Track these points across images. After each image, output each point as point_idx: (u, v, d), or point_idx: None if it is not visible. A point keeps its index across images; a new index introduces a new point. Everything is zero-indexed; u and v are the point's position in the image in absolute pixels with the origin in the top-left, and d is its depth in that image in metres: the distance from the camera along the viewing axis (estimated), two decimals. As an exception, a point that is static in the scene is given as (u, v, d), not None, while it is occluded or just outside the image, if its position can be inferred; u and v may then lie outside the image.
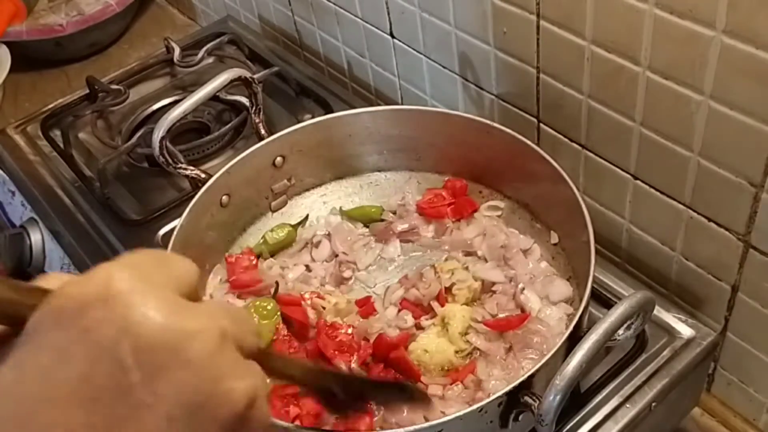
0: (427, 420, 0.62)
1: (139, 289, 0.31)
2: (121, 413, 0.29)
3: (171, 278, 0.33)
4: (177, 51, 1.20)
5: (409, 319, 0.75)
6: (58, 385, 0.29)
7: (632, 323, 0.63)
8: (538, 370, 0.60)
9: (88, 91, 1.16)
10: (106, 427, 0.29)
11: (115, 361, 0.29)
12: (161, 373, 0.30)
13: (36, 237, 1.02)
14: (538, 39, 0.78)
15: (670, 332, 0.74)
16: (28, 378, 0.29)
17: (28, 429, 0.28)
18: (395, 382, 0.66)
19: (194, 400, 0.30)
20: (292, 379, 0.46)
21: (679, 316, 0.75)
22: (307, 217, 0.89)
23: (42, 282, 0.33)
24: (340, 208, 0.89)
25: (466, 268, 0.79)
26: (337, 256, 0.84)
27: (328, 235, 0.85)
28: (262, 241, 0.86)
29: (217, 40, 1.22)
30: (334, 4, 1.07)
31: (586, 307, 0.65)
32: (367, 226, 0.87)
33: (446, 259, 0.82)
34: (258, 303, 0.76)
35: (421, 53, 0.97)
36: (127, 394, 0.29)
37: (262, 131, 0.89)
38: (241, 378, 0.33)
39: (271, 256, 0.85)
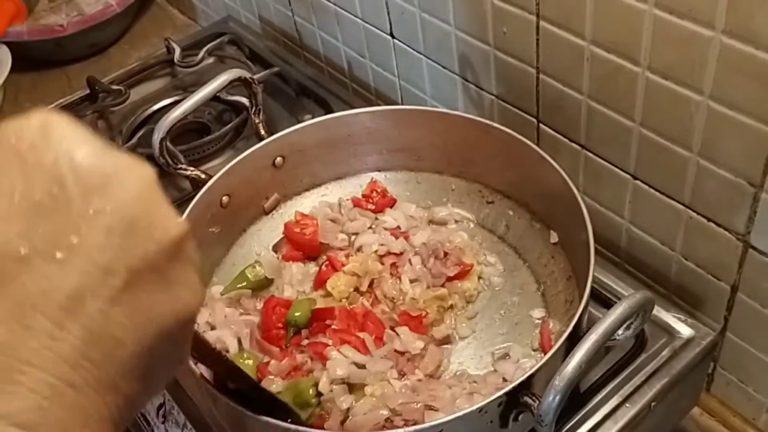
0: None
1: (76, 127, 0.32)
2: (60, 225, 0.30)
3: None
4: (177, 51, 1.20)
5: None
6: None
7: (632, 323, 0.63)
8: (537, 370, 0.60)
9: (88, 91, 1.16)
10: (45, 239, 0.29)
11: (53, 178, 0.30)
12: (100, 190, 0.31)
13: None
14: (537, 39, 0.78)
15: (670, 332, 0.74)
16: None
17: None
18: (283, 404, 0.64)
19: (132, 215, 0.31)
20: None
21: (679, 316, 0.75)
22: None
23: None
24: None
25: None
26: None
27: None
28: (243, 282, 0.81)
29: (218, 40, 1.22)
30: (334, 4, 1.07)
31: (585, 307, 0.65)
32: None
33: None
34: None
35: (421, 53, 0.97)
36: (65, 208, 0.30)
37: (262, 131, 0.89)
38: (173, 211, 0.34)
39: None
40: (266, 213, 0.89)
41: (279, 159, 0.86)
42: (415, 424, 0.64)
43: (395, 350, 0.73)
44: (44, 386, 0.28)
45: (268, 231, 0.88)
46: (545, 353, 0.72)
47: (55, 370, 0.29)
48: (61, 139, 0.31)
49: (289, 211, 0.90)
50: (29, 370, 0.28)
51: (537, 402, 0.59)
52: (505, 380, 0.71)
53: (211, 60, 1.20)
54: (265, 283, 0.82)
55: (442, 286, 0.79)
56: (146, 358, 0.32)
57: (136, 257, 0.31)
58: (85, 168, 0.31)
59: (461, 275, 0.79)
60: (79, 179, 0.31)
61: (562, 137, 0.83)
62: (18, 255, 0.29)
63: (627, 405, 0.69)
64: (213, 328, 0.77)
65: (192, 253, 0.35)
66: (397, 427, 0.65)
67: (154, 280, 0.32)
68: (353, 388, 0.70)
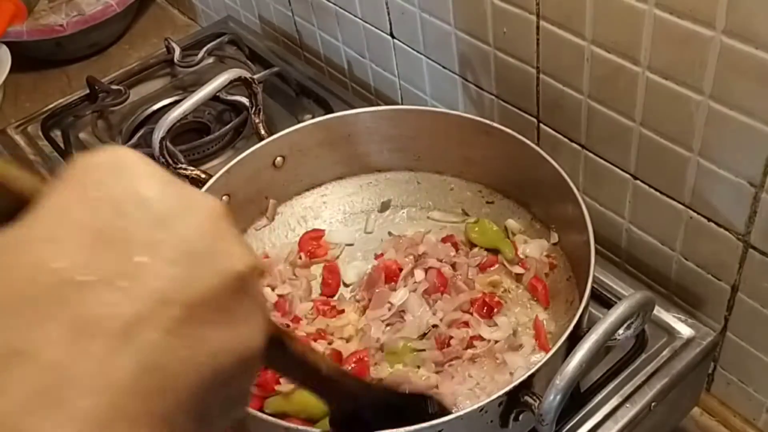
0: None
1: (145, 162, 0.33)
2: (121, 254, 0.30)
3: None
4: (177, 51, 1.20)
5: None
6: (60, 230, 0.30)
7: (632, 323, 0.63)
8: (538, 370, 0.60)
9: (88, 91, 1.16)
10: (106, 267, 0.29)
11: (118, 209, 0.31)
12: (165, 222, 0.31)
13: (36, 237, 1.02)
14: (537, 39, 0.78)
15: (670, 332, 0.74)
16: (34, 227, 0.30)
17: (36, 271, 0.29)
18: (419, 393, 0.61)
19: (195, 247, 0.31)
20: (310, 373, 0.44)
21: (679, 316, 0.75)
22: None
23: None
24: None
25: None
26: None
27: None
28: None
29: (218, 40, 1.22)
30: (334, 4, 1.07)
31: (586, 307, 0.65)
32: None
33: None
34: None
35: (421, 53, 0.97)
36: (128, 239, 0.30)
37: (262, 131, 0.89)
38: (242, 245, 0.34)
39: None
40: (269, 220, 0.89)
41: (279, 159, 0.86)
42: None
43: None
44: (97, 413, 0.27)
45: (268, 231, 0.88)
46: (541, 349, 0.73)
47: (109, 396, 0.28)
48: (129, 173, 0.32)
49: (289, 211, 0.90)
50: (82, 394, 0.27)
51: (538, 401, 0.59)
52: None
53: (211, 60, 1.20)
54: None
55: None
56: (204, 395, 0.31)
57: (196, 290, 0.31)
58: (151, 201, 0.31)
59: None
60: (144, 211, 0.31)
61: (562, 137, 0.83)
62: (78, 281, 0.29)
63: (627, 405, 0.69)
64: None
65: (259, 291, 0.34)
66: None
67: (216, 315, 0.31)
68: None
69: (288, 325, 0.78)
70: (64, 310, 0.28)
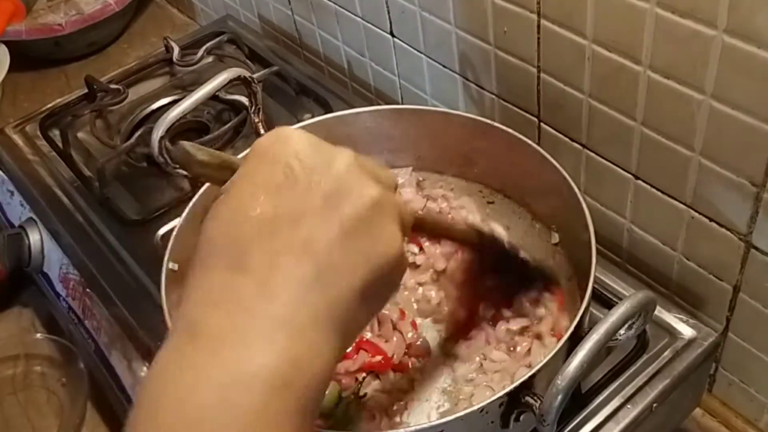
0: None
1: (301, 132, 0.48)
2: (293, 196, 0.44)
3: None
4: (176, 50, 1.19)
5: None
6: (251, 185, 0.45)
7: (633, 323, 0.62)
8: (539, 370, 0.59)
9: (86, 90, 1.16)
10: (286, 206, 0.44)
11: (286, 166, 0.45)
12: (317, 170, 0.45)
13: (35, 237, 1.01)
14: (538, 38, 0.77)
15: (672, 333, 0.74)
16: (234, 189, 0.46)
17: (242, 218, 0.44)
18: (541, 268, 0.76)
19: (339, 185, 0.45)
20: (444, 234, 0.70)
21: (681, 316, 0.75)
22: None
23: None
24: None
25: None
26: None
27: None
28: None
29: (217, 39, 1.22)
30: (334, 3, 1.07)
31: (587, 308, 0.65)
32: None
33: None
34: None
35: (421, 52, 0.97)
36: (295, 185, 0.44)
37: (262, 131, 0.88)
38: (371, 176, 0.47)
39: None
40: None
41: (279, 158, 0.86)
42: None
43: None
44: (295, 294, 0.42)
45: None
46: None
47: (299, 288, 0.42)
48: (290, 140, 0.47)
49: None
50: (284, 288, 0.42)
51: (539, 402, 0.58)
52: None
53: (210, 59, 1.20)
54: None
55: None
56: (368, 286, 0.45)
57: (345, 213, 0.44)
58: (307, 156, 0.46)
59: None
60: (303, 166, 0.45)
61: (563, 137, 0.83)
62: (269, 218, 0.43)
63: (629, 406, 0.69)
64: None
65: (390, 208, 0.47)
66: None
67: (362, 229, 0.45)
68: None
69: None
70: (263, 243, 0.43)
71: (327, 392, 0.68)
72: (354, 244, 0.44)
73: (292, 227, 0.43)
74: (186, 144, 0.47)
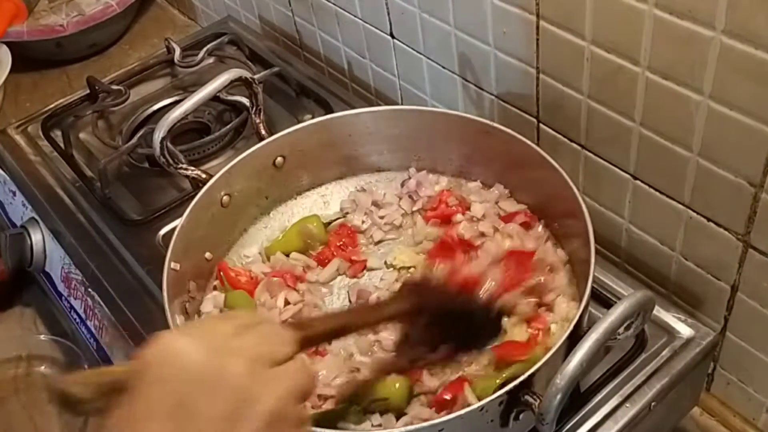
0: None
1: (186, 341, 0.46)
2: (184, 418, 0.43)
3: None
4: (177, 51, 1.20)
5: None
6: (147, 408, 0.44)
7: (632, 323, 0.63)
8: (538, 369, 0.60)
9: (88, 91, 1.16)
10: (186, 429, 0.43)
11: (175, 392, 0.44)
12: (211, 389, 0.44)
13: (37, 237, 1.02)
14: (537, 39, 0.78)
15: (670, 332, 0.74)
16: (129, 409, 0.44)
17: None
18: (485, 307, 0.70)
19: (232, 408, 0.44)
20: (344, 329, 0.60)
21: (679, 315, 0.75)
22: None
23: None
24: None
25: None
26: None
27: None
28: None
29: (218, 40, 1.22)
30: (335, 4, 1.07)
31: (586, 307, 0.65)
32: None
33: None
34: None
35: (421, 53, 0.97)
36: (189, 413, 0.44)
37: (263, 131, 0.89)
38: (270, 385, 0.46)
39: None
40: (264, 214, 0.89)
41: (279, 159, 0.86)
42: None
43: None
44: None
45: (268, 231, 0.88)
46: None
47: None
48: (178, 356, 0.46)
49: (289, 211, 0.90)
50: None
51: (538, 401, 0.59)
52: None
53: (211, 60, 1.20)
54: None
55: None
56: None
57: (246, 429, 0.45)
58: (197, 372, 0.45)
59: None
60: (193, 387, 0.45)
61: (562, 137, 0.83)
62: None
63: (627, 405, 0.69)
64: None
65: (290, 409, 0.47)
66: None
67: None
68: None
69: None
70: None
71: (398, 387, 0.68)
72: None
73: None
74: (55, 378, 0.46)
